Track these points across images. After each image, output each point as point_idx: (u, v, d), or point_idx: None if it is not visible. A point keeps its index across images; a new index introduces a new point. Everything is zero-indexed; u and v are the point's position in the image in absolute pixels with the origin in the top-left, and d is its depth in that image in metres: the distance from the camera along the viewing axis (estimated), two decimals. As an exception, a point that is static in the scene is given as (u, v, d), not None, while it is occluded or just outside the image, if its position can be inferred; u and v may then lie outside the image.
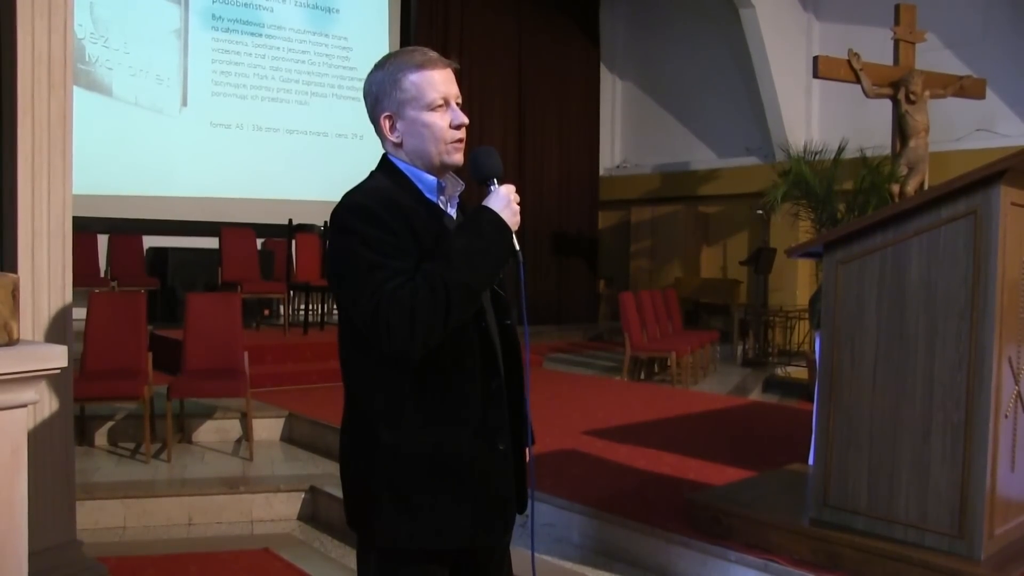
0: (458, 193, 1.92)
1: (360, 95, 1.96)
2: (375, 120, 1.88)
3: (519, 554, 2.20)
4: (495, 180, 1.83)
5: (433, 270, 1.69)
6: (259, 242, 9.46)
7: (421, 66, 1.82)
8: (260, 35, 10.47)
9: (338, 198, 1.84)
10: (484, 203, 1.80)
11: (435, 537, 1.80)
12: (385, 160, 1.90)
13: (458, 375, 1.81)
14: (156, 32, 9.73)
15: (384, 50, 10.04)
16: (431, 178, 1.86)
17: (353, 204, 1.77)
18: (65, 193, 3.22)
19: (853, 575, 2.85)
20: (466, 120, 1.85)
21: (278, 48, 10.62)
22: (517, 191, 1.86)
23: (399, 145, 1.86)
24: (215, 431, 5.71)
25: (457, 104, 1.85)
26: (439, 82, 1.82)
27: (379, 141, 1.93)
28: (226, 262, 8.69)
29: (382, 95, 1.85)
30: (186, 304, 5.83)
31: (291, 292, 8.82)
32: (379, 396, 1.81)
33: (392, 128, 1.86)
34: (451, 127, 1.83)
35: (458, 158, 1.86)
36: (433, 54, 1.85)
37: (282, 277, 8.82)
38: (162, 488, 4.69)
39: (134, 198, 9.42)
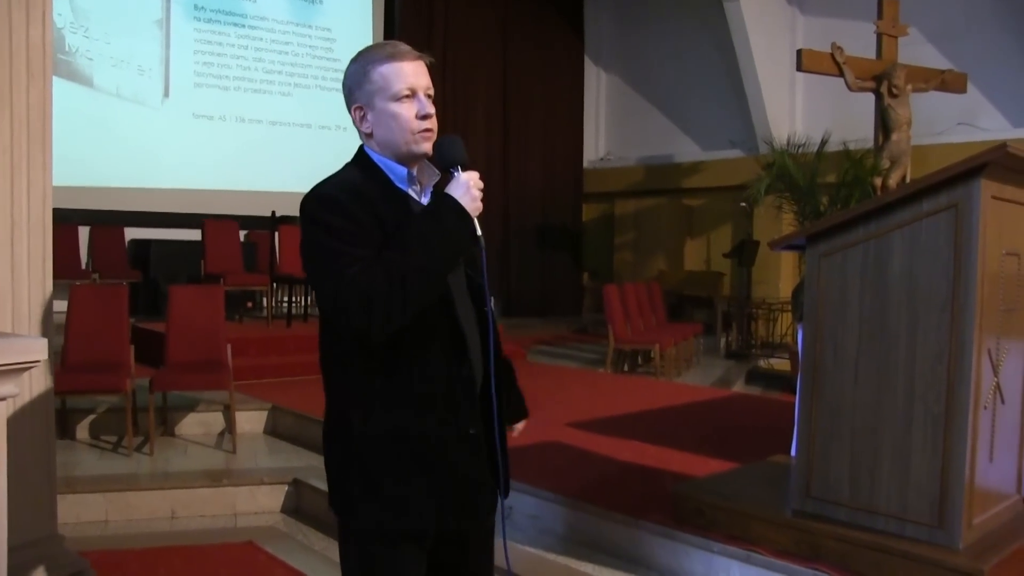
0: (433, 183, 1.96)
1: (343, 87, 1.98)
2: (350, 112, 1.93)
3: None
4: (459, 167, 1.86)
5: (391, 255, 1.74)
6: (242, 234, 9.42)
7: (390, 57, 1.87)
8: (243, 26, 10.41)
9: (322, 191, 1.85)
10: (445, 190, 1.84)
11: (401, 519, 1.84)
12: (360, 151, 1.95)
13: (424, 361, 1.84)
14: (138, 22, 9.64)
15: (367, 41, 9.99)
16: (402, 168, 1.91)
17: (319, 195, 1.83)
18: (45, 184, 3.18)
19: (835, 566, 2.88)
20: (432, 110, 1.89)
21: (261, 39, 10.56)
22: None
23: (370, 136, 1.91)
24: (198, 424, 5.69)
25: (428, 96, 1.89)
26: (408, 73, 1.86)
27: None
28: (209, 254, 8.64)
29: (355, 87, 1.90)
30: (169, 296, 5.79)
31: (274, 284, 8.77)
32: (350, 382, 1.86)
33: (363, 119, 1.90)
34: (417, 117, 1.86)
35: (426, 147, 1.89)
36: (404, 47, 1.90)
37: (265, 269, 8.77)
38: (144, 481, 4.66)
39: (116, 190, 9.35)
